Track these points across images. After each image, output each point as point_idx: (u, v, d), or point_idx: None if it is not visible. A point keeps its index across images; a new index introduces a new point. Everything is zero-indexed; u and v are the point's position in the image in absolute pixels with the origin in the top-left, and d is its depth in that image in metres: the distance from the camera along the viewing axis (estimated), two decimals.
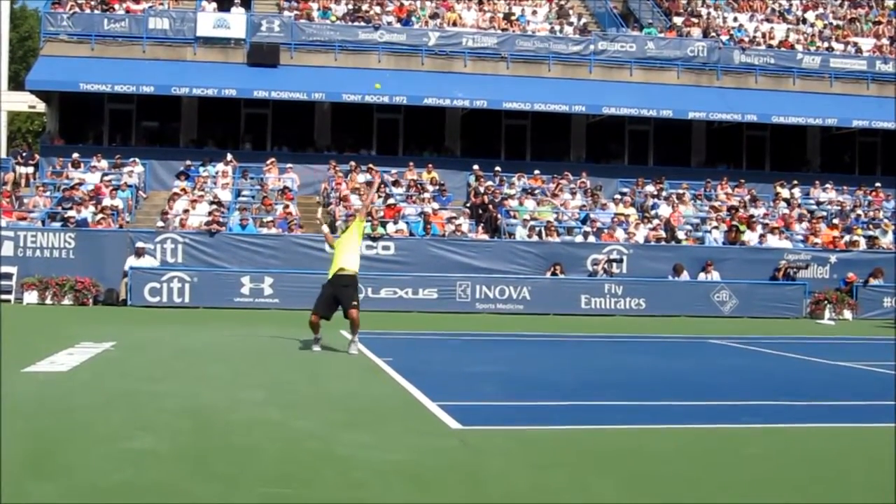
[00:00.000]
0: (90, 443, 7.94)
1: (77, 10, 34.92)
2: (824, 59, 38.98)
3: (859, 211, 35.14)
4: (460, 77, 36.16)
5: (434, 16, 38.47)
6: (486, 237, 30.24)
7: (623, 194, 34.37)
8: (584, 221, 31.40)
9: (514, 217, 31.04)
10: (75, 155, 32.84)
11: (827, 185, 37.07)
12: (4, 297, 25.85)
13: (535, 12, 40.06)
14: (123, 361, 13.72)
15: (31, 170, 34.00)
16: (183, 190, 31.10)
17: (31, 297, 25.84)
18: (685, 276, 29.23)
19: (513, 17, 38.99)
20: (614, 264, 29.10)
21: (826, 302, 29.09)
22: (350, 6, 38.04)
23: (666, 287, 28.94)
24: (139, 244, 26.76)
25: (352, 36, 36.15)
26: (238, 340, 17.13)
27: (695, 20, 40.89)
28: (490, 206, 31.93)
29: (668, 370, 14.83)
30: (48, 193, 30.56)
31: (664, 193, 34.51)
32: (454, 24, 38.13)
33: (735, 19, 41.84)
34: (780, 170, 38.79)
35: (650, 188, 35.01)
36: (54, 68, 33.95)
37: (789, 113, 37.14)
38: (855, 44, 40.77)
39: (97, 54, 34.55)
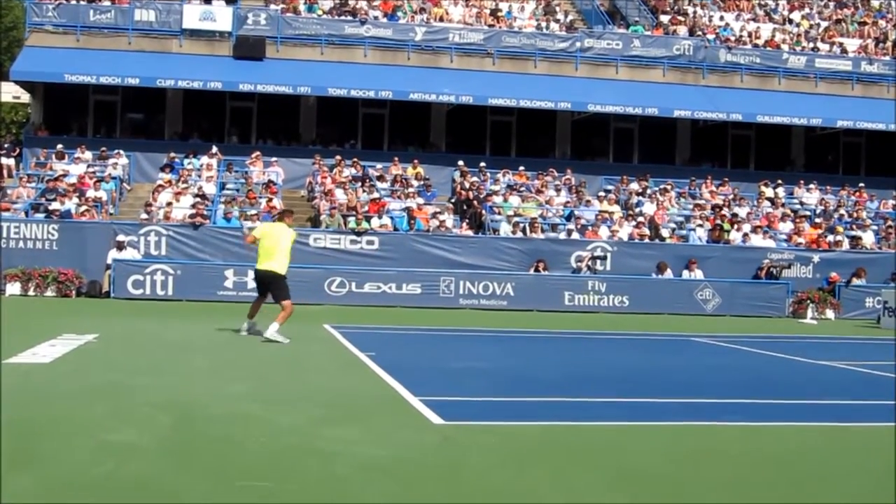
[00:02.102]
0: (71, 435, 7.92)
1: (62, 0, 34.76)
2: (810, 59, 39.08)
3: (843, 211, 35.24)
4: (446, 72, 36.15)
5: (420, 11, 38.43)
6: (470, 233, 30.27)
7: (607, 191, 34.42)
8: (568, 218, 31.43)
9: (499, 213, 31.05)
10: (59, 146, 32.71)
11: (811, 185, 37.17)
12: None
13: (521, 8, 40.04)
14: (105, 354, 13.68)
15: (12, 161, 33.84)
16: (168, 182, 31.01)
17: (13, 288, 25.75)
18: (668, 273, 29.29)
19: (499, 14, 38.98)
20: (598, 261, 29.16)
21: (808, 301, 29.16)
22: (336, 0, 37.96)
23: (649, 285, 29.01)
24: (120, 237, 26.70)
25: (338, 30, 36.10)
26: (221, 334, 17.09)
27: (681, 18, 40.95)
28: (474, 202, 31.95)
29: (650, 367, 14.85)
30: (32, 185, 30.45)
31: (649, 191, 34.56)
32: (441, 20, 38.09)
33: (721, 18, 41.91)
34: (764, 169, 38.87)
35: (635, 186, 35.05)
36: (39, 59, 33.80)
37: (774, 112, 37.23)
38: (840, 44, 40.88)
39: (82, 45, 34.42)
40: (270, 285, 16.47)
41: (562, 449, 8.12)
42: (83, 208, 28.24)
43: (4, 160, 33.64)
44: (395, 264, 27.97)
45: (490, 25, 38.15)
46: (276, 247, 16.34)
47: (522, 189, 33.37)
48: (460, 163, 34.63)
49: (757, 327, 24.58)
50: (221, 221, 28.56)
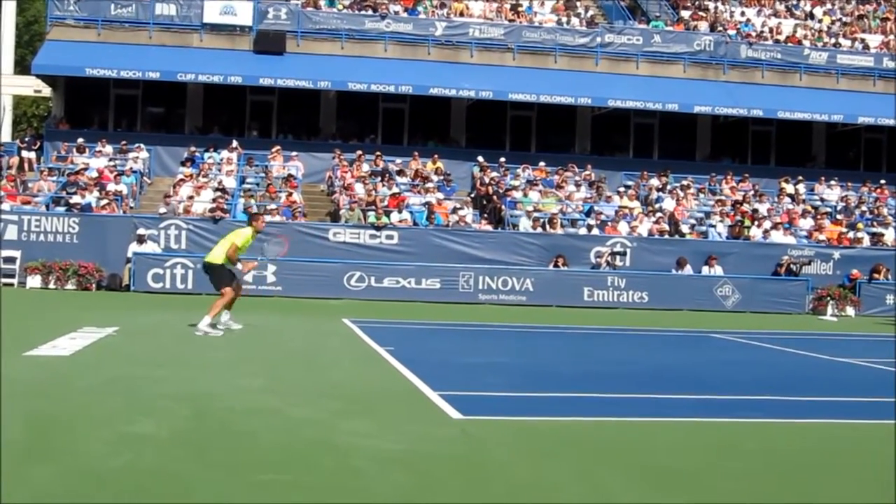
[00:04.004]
0: (90, 427, 7.95)
1: None
2: (831, 55, 38.94)
3: (864, 207, 35.08)
4: (466, 67, 36.14)
5: (441, 6, 38.40)
6: (489, 228, 30.25)
7: (627, 187, 34.34)
8: (588, 214, 31.38)
9: (518, 208, 31.02)
10: (80, 140, 32.87)
11: (832, 182, 37.00)
12: (8, 280, 25.93)
13: (542, 3, 39.98)
14: (125, 347, 13.73)
15: (33, 155, 33.98)
16: (188, 176, 31.08)
17: (34, 281, 25.86)
18: (688, 269, 29.21)
19: (520, 9, 38.94)
20: (617, 257, 29.10)
21: (829, 298, 29.04)
22: None
23: (669, 280, 28.93)
24: (140, 231, 26.79)
25: (358, 24, 36.14)
26: (239, 327, 17.11)
27: (702, 14, 40.83)
28: (494, 197, 31.94)
29: (669, 363, 14.82)
30: (53, 178, 30.57)
31: (668, 187, 34.48)
32: (461, 15, 38.07)
33: (742, 14, 41.79)
34: (785, 165, 38.76)
35: (654, 181, 34.97)
36: (60, 53, 33.93)
37: (795, 108, 37.09)
38: (862, 40, 40.69)
39: (103, 39, 34.55)
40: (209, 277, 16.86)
41: (580, 444, 8.11)
42: (104, 202, 28.34)
43: (25, 153, 33.80)
44: (415, 259, 27.98)
45: (510, 20, 38.12)
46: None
47: (542, 184, 33.32)
48: (480, 158, 34.60)
49: (776, 324, 24.51)
50: (241, 215, 28.55)
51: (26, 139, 35.23)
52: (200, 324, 15.80)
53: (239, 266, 16.61)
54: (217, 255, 16.39)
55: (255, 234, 16.69)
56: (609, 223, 30.68)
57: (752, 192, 35.00)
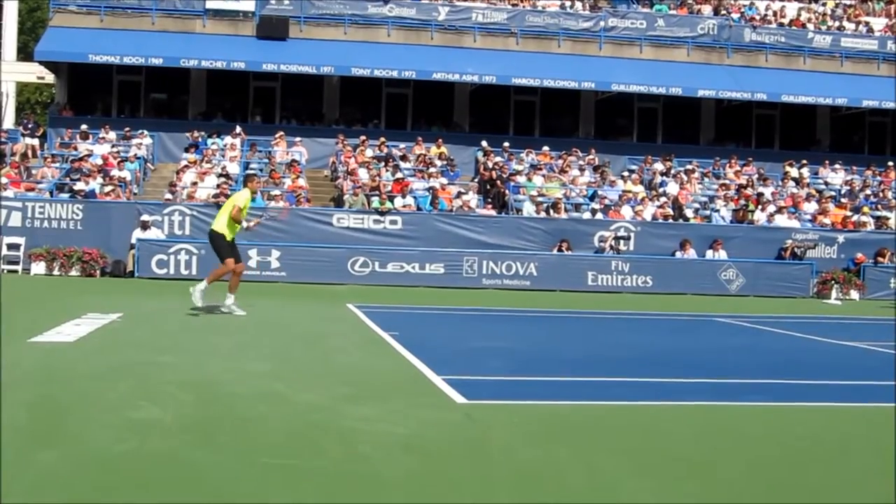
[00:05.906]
0: (95, 412, 7.95)
1: None
2: (835, 38, 38.88)
3: (868, 191, 35.03)
4: (470, 52, 36.13)
5: None
6: (493, 213, 30.25)
7: (631, 171, 34.32)
8: (591, 198, 31.37)
9: (522, 193, 31.01)
10: (84, 126, 32.90)
11: (836, 165, 36.96)
12: (12, 267, 25.98)
13: None
14: (130, 332, 13.73)
15: (36, 141, 33.98)
16: (192, 162, 31.08)
17: (38, 267, 25.90)
18: (691, 251, 29.17)
19: None
20: (621, 241, 29.09)
21: (833, 282, 29.03)
22: None
23: (673, 265, 28.94)
24: (144, 217, 26.82)
25: (361, 10, 36.11)
26: (243, 314, 17.12)
27: None
28: (498, 182, 31.91)
29: (673, 347, 14.81)
30: (56, 164, 30.57)
31: (672, 171, 34.44)
32: None
33: None
34: (789, 149, 38.74)
35: (658, 166, 34.94)
36: (63, 39, 33.94)
37: (799, 92, 37.05)
38: (866, 23, 40.62)
39: (106, 25, 34.56)
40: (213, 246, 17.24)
41: (585, 429, 8.11)
42: (107, 188, 28.35)
43: (29, 140, 33.79)
44: (419, 244, 28.00)
45: (514, 5, 38.05)
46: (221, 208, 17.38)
47: (546, 168, 33.31)
48: (484, 142, 34.61)
49: (781, 308, 24.48)
50: None
51: (29, 126, 35.23)
52: (196, 287, 16.53)
53: (244, 224, 17.06)
54: (220, 224, 16.82)
55: (252, 194, 17.43)
56: (613, 207, 30.67)
57: (756, 176, 34.98)
